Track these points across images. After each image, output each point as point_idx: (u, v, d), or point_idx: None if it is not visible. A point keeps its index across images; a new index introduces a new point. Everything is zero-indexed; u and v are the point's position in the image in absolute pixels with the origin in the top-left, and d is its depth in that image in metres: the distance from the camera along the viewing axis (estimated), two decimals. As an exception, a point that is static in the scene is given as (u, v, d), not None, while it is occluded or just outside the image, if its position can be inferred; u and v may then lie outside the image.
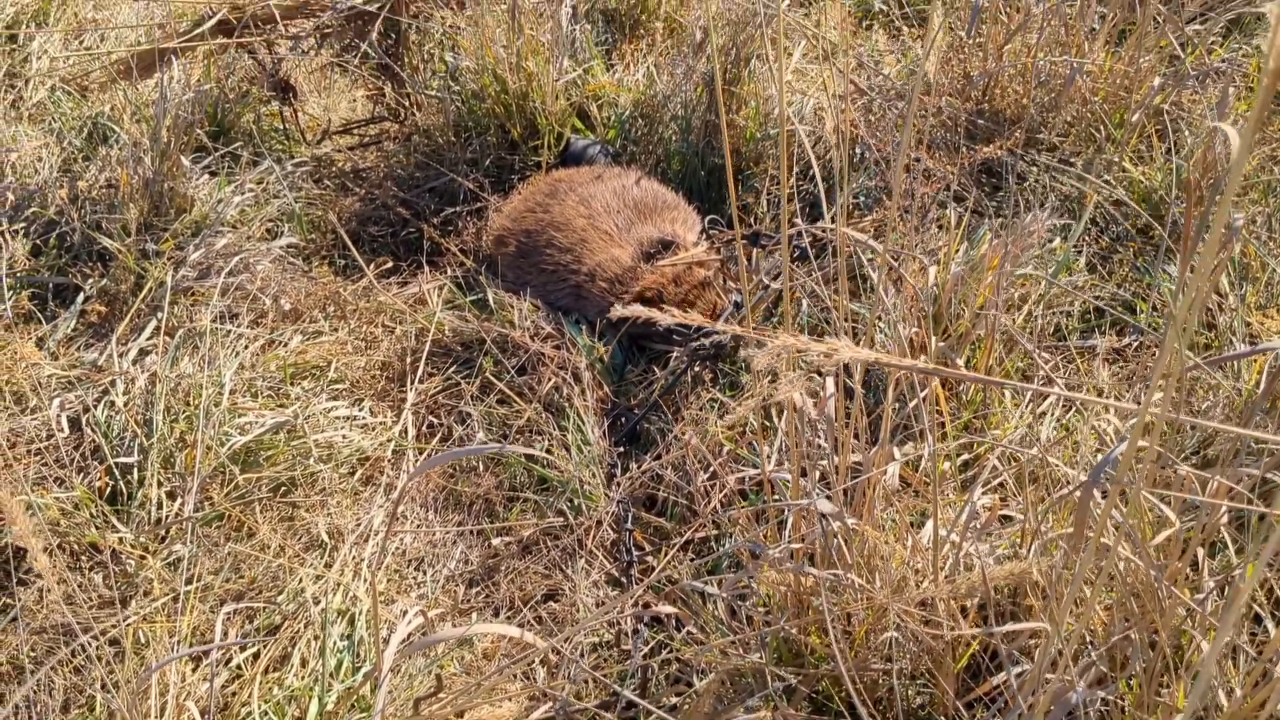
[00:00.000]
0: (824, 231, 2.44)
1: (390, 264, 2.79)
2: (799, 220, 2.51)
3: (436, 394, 2.40)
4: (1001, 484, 1.84)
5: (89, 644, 1.76)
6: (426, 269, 2.80)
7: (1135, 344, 2.31)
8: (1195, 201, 2.50)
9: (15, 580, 1.94)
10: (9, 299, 2.52)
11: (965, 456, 1.99)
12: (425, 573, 2.06)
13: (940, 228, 2.43)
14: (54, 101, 3.37)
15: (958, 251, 2.27)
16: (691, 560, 2.03)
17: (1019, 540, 1.62)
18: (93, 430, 2.18)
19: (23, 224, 2.77)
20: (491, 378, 2.36)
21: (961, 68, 2.80)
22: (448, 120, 3.06)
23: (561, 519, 2.11)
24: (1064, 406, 2.06)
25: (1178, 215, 2.42)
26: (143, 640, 1.86)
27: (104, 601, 1.91)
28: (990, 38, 2.80)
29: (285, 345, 2.47)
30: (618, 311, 1.02)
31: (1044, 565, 1.33)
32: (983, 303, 2.06)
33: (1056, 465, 1.49)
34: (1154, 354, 2.20)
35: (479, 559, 2.08)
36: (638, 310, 1.01)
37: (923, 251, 2.33)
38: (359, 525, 2.09)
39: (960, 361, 2.06)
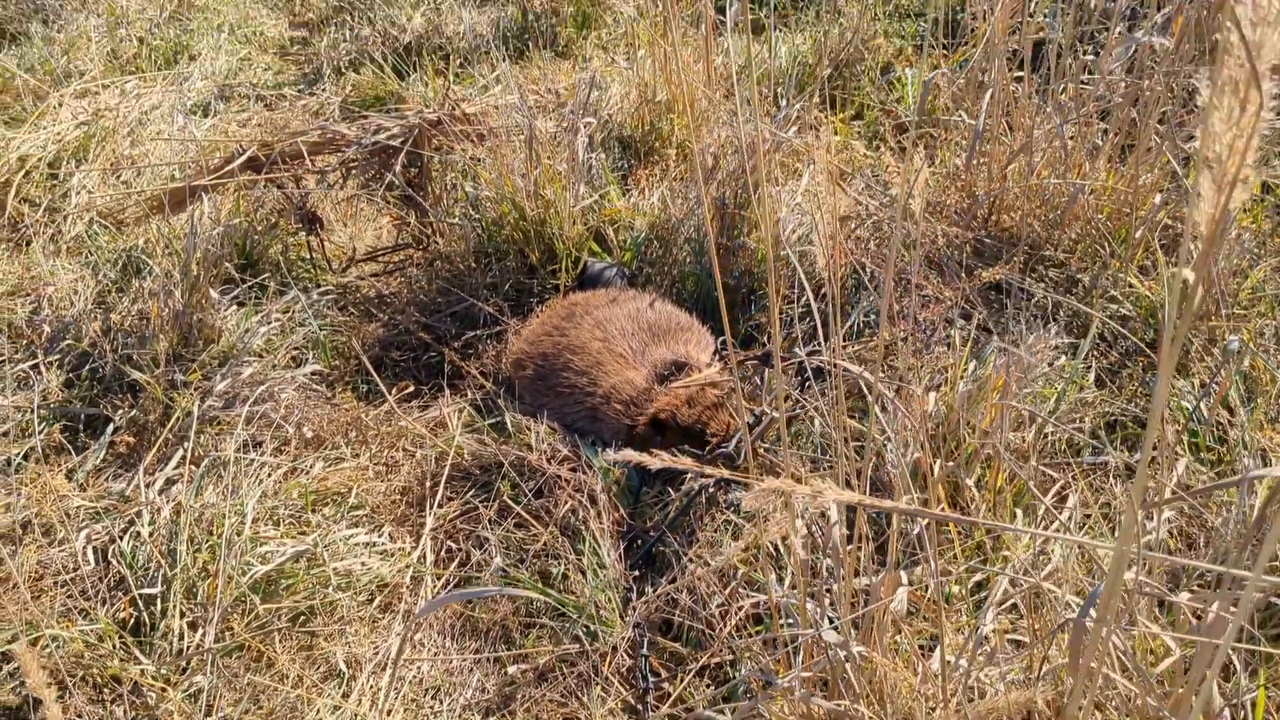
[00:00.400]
0: (821, 360, 2.48)
1: (411, 388, 2.85)
2: (799, 349, 2.55)
3: (455, 518, 2.43)
4: (1013, 605, 1.84)
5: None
6: (447, 392, 2.85)
7: (1150, 460, 2.32)
8: (1199, 316, 2.53)
9: (39, 716, 1.97)
10: (41, 431, 2.59)
11: (978, 577, 2.00)
12: (442, 701, 2.07)
13: (948, 345, 2.47)
14: (91, 235, 3.50)
15: (965, 370, 2.30)
16: (708, 686, 2.03)
17: (1029, 665, 1.62)
18: (118, 561, 2.23)
19: (57, 356, 2.87)
20: (509, 501, 2.39)
21: (967, 188, 2.87)
22: (468, 247, 3.16)
23: (578, 645, 2.12)
24: (1078, 526, 2.06)
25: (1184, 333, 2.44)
26: (161, 774, 1.88)
27: (124, 735, 1.93)
28: (993, 158, 2.87)
29: (307, 472, 2.52)
30: (611, 456, 1.06)
31: (1049, 694, 1.33)
32: (990, 422, 2.08)
33: (1056, 593, 1.50)
34: (1166, 469, 2.20)
35: (495, 687, 2.09)
36: (630, 455, 1.04)
37: (930, 372, 2.36)
38: (376, 654, 2.11)
39: (970, 482, 2.07)
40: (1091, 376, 2.49)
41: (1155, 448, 2.24)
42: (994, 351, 2.32)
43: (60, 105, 4.18)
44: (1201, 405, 2.34)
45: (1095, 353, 2.57)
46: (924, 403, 1.91)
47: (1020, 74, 3.02)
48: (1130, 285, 2.67)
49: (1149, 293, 2.64)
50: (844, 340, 2.69)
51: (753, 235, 2.98)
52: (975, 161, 2.86)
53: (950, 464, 2.07)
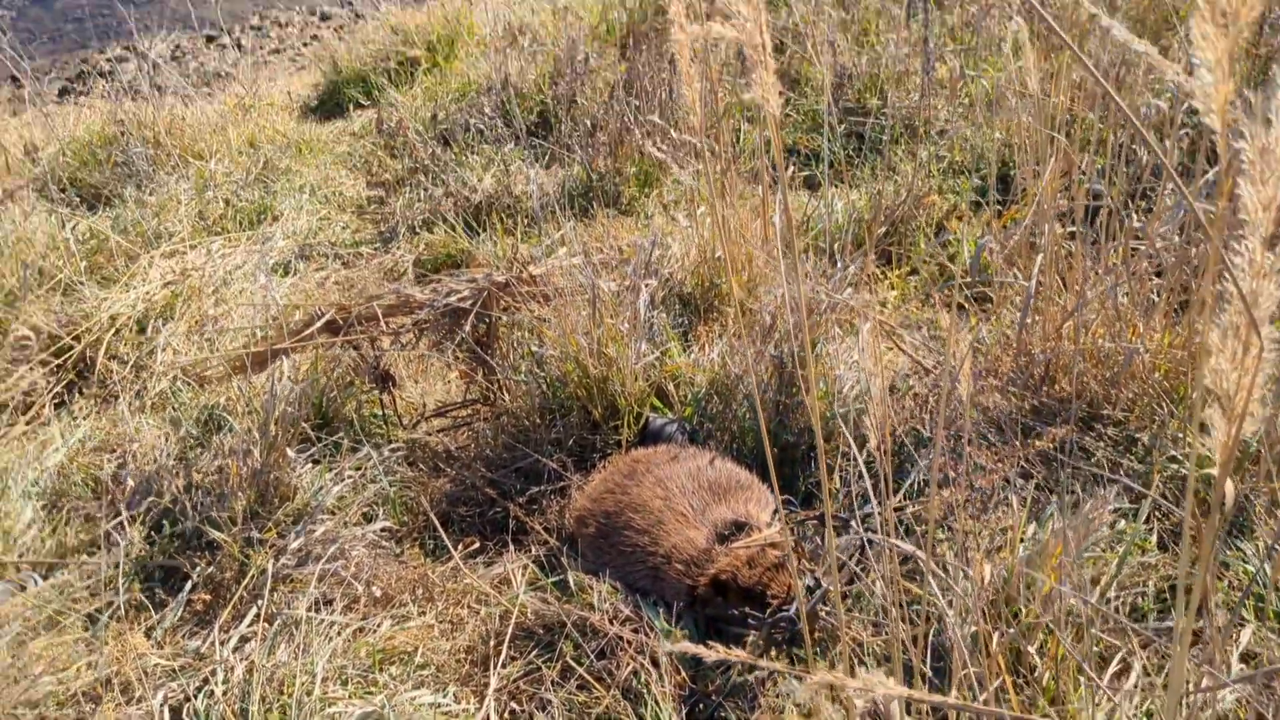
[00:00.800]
0: (872, 529, 2.51)
1: (477, 544, 2.92)
2: (855, 511, 2.58)
3: (518, 679, 2.46)
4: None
5: None
6: (511, 548, 2.91)
7: (1216, 626, 2.29)
8: (1264, 476, 2.52)
9: None
10: (124, 588, 2.69)
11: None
12: None
13: (1006, 507, 2.48)
14: (174, 391, 3.66)
15: (1024, 534, 2.31)
16: None
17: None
18: (192, 720, 2.29)
19: (140, 511, 2.99)
20: (572, 662, 2.42)
21: (1023, 349, 2.92)
22: (534, 403, 3.26)
23: (639, 812, 2.12)
24: (1143, 693, 2.04)
25: (1245, 491, 2.44)
26: None
27: None
28: (1048, 317, 2.92)
29: (375, 631, 2.57)
30: (669, 648, 1.10)
31: None
32: (1049, 589, 2.09)
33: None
34: (1233, 636, 2.18)
35: None
36: (688, 648, 1.09)
37: (989, 533, 2.38)
38: (440, 819, 2.13)
39: (1032, 649, 2.07)
40: (1154, 539, 2.48)
41: (1218, 613, 2.23)
42: (1052, 514, 2.33)
43: (150, 265, 4.42)
44: (1266, 568, 2.33)
45: (1157, 514, 2.56)
46: (982, 570, 1.93)
47: (1074, 229, 3.09)
48: (1190, 445, 2.68)
49: (1209, 453, 2.64)
50: (904, 498, 2.71)
51: (810, 394, 3.04)
52: (1030, 321, 2.91)
53: (1011, 630, 2.07)
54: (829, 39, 5.10)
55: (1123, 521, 2.44)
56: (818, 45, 5.16)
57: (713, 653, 1.10)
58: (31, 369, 3.84)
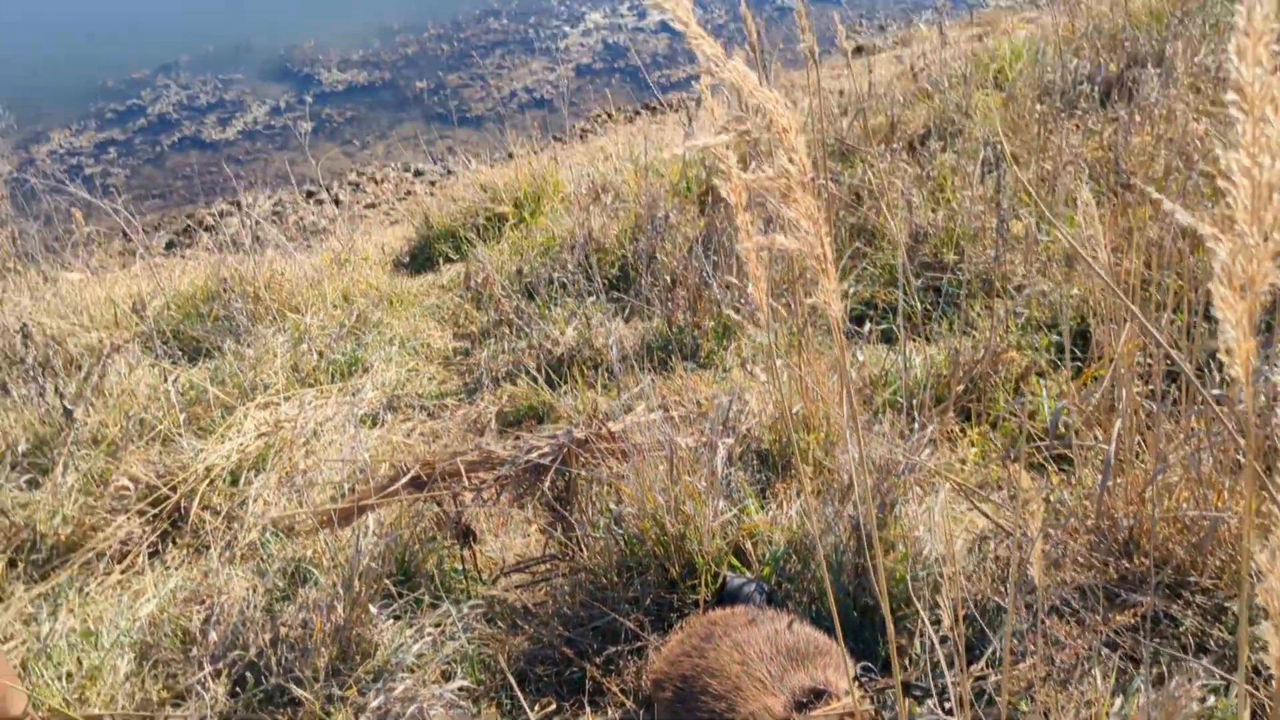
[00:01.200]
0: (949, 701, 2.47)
1: (553, 705, 2.92)
2: (931, 678, 2.54)
3: None
4: None
5: None
6: (588, 709, 2.91)
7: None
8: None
9: None
10: (207, 744, 2.74)
11: None
12: None
13: (1090, 679, 2.42)
14: (263, 542, 3.76)
15: (1109, 708, 2.25)
16: None
17: None
18: None
19: (225, 665, 3.05)
20: (647, 834, 2.39)
21: (1106, 513, 2.88)
22: (611, 560, 3.28)
23: None
24: None
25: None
26: None
27: None
28: (1130, 480, 2.89)
29: (451, 795, 2.57)
30: None
31: None
32: (1138, 774, 2.03)
33: None
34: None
35: None
36: None
37: (1074, 706, 2.32)
38: None
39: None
40: (1246, 715, 2.39)
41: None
42: (1138, 689, 2.27)
43: (245, 417, 4.59)
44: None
45: (1249, 688, 2.48)
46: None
47: (1153, 388, 3.07)
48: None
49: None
50: (986, 665, 2.66)
51: (890, 556, 3.03)
52: (1111, 484, 2.88)
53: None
54: (905, 195, 5.20)
55: (1212, 698, 2.37)
56: (893, 202, 5.27)
57: None
58: (129, 518, 3.98)
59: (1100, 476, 2.94)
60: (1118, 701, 2.32)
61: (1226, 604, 2.68)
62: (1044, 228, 4.82)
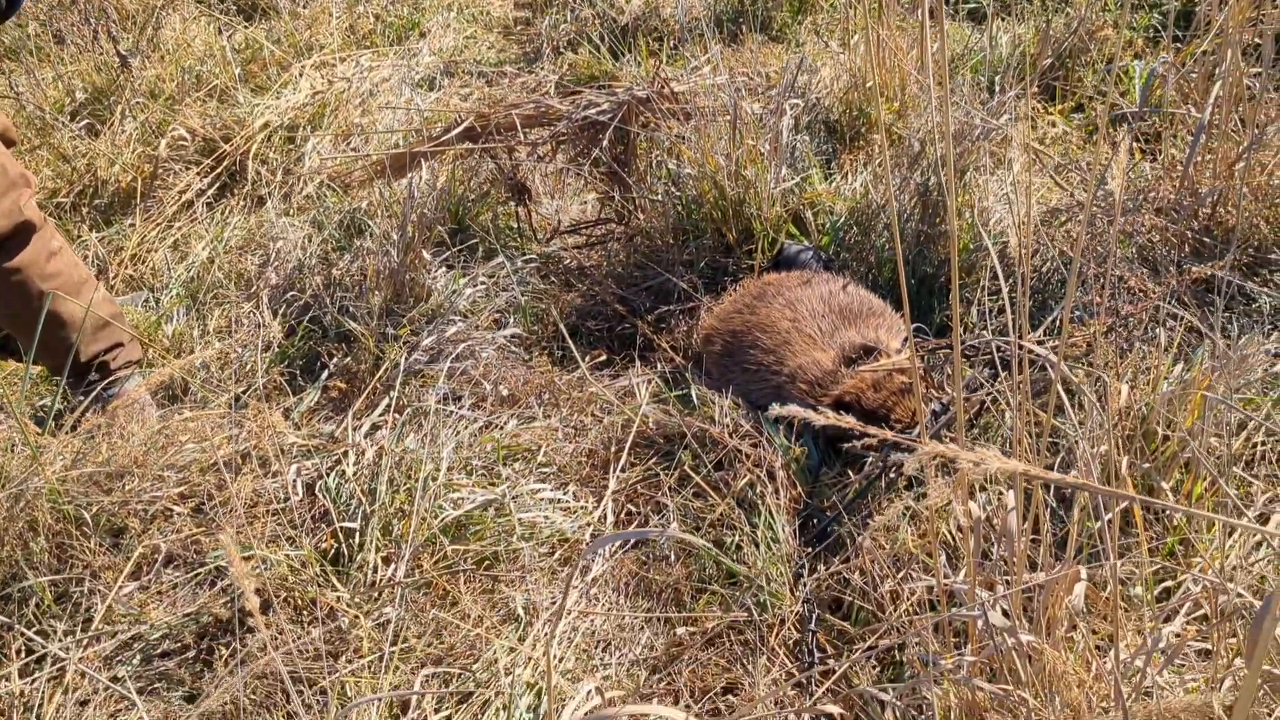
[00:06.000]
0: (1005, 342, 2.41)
1: (604, 357, 2.94)
2: (988, 335, 2.48)
3: (636, 483, 2.50)
4: (1203, 616, 1.76)
5: (301, 692, 1.92)
6: (638, 363, 2.92)
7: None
8: None
9: (245, 628, 2.14)
10: (263, 372, 2.81)
11: (1167, 583, 1.91)
12: (612, 655, 2.13)
13: (1152, 345, 2.36)
14: (320, 196, 3.74)
15: (1169, 371, 2.20)
16: (874, 667, 2.02)
17: (1214, 676, 1.55)
18: (324, 496, 2.39)
19: (282, 305, 3.09)
20: (689, 471, 2.44)
21: (1189, 185, 2.73)
22: (668, 223, 3.21)
23: (746, 614, 2.15)
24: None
25: None
26: (349, 694, 2.01)
27: (318, 654, 2.08)
28: (1220, 154, 2.72)
29: (501, 428, 2.63)
30: (775, 410, 1.07)
31: (1229, 700, 1.28)
32: (1190, 424, 1.99)
33: (1246, 597, 1.42)
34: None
35: (663, 646, 2.14)
36: (795, 411, 1.06)
37: (1132, 370, 2.27)
38: (553, 603, 2.19)
39: (1166, 486, 1.99)
40: (1313, 389, 2.33)
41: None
42: (1204, 354, 2.21)
43: (301, 75, 4.47)
44: None
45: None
46: (1119, 394, 1.84)
47: (1258, 69, 2.84)
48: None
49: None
50: (1042, 335, 2.60)
51: (956, 224, 2.92)
52: (1200, 157, 2.71)
53: (1147, 465, 1.99)
54: None
55: (1280, 365, 2.30)
56: None
57: (820, 418, 1.06)
58: (187, 169, 3.97)
59: (1188, 149, 2.77)
60: (1179, 367, 2.26)
61: (1306, 282, 2.57)
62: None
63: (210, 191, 3.91)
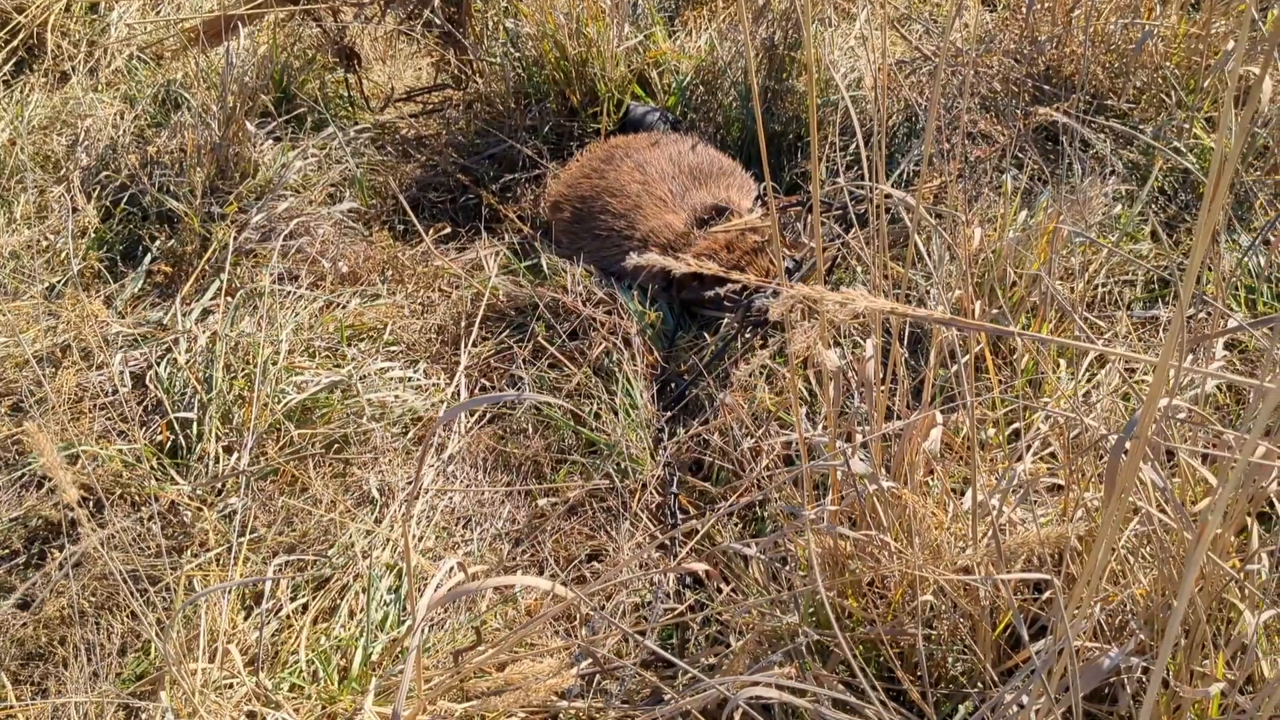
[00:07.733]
0: (863, 191, 2.41)
1: (448, 230, 2.82)
2: (839, 180, 2.47)
3: (489, 357, 2.42)
4: (1052, 454, 1.81)
5: (145, 590, 1.82)
6: (484, 235, 2.82)
7: (1203, 315, 2.24)
8: (1269, 170, 2.42)
9: (79, 530, 2.01)
10: (79, 258, 2.60)
11: (1016, 425, 1.96)
12: (473, 531, 2.09)
13: (998, 192, 2.38)
14: (130, 69, 3.46)
15: (1015, 217, 2.22)
16: (736, 525, 2.03)
17: (1066, 509, 1.59)
18: (155, 386, 2.25)
19: (96, 188, 2.86)
20: (543, 342, 2.38)
21: (1028, 32, 2.74)
22: (508, 87, 3.08)
23: (608, 482, 2.13)
24: (1121, 377, 2.01)
25: (1249, 184, 2.34)
26: (196, 589, 1.92)
27: (160, 550, 1.97)
28: (1058, 3, 2.73)
29: (343, 307, 2.51)
30: (633, 260, 1.02)
31: (1081, 530, 1.31)
32: (1037, 268, 2.02)
33: (1100, 430, 1.45)
34: (1217, 325, 2.13)
35: (525, 519, 2.10)
36: (653, 259, 1.00)
37: (979, 218, 2.28)
38: (409, 483, 2.13)
39: (1015, 329, 2.02)
40: (1148, 229, 2.40)
41: (1206, 303, 2.17)
42: (1047, 199, 2.24)
43: (98, -63, 4.09)
44: (1260, 258, 2.26)
45: (1154, 206, 2.47)
46: (970, 238, 1.84)
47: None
48: (1196, 137, 2.56)
49: (1214, 145, 2.53)
50: (896, 184, 2.60)
51: (801, 79, 2.88)
52: (1039, 4, 2.72)
53: (995, 311, 2.02)
54: None
55: (1119, 207, 2.35)
56: None
57: (681, 265, 1.01)
58: (-25, 43, 3.60)
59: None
60: (1023, 215, 2.29)
61: (1141, 128, 2.62)
62: None
63: (6, 68, 3.56)
